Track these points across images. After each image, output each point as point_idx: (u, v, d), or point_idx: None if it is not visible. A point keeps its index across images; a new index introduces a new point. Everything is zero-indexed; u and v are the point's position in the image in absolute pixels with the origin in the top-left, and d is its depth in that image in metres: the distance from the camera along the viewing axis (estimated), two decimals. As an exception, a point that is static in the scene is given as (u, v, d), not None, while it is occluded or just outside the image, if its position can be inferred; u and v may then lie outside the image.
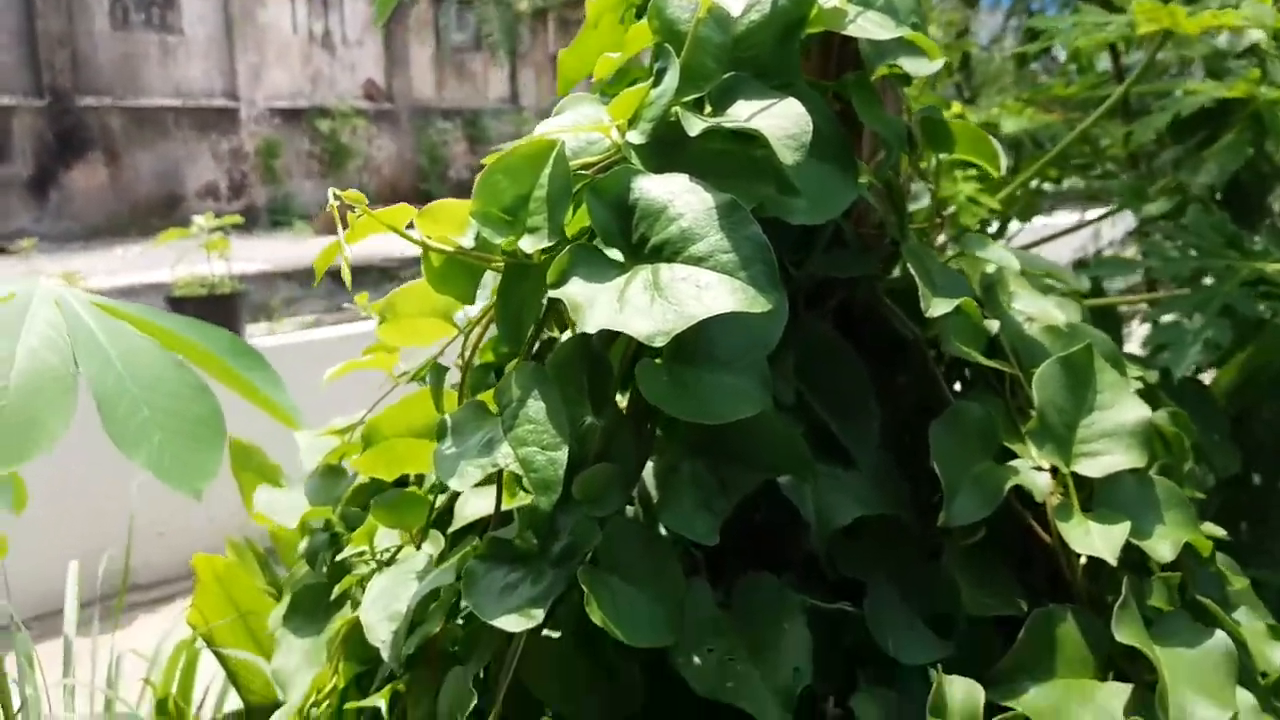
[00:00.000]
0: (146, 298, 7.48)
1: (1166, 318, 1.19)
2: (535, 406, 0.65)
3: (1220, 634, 0.73)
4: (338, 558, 0.88)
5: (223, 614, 1.75)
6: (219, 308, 4.96)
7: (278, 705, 1.68)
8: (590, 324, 0.59)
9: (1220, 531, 0.91)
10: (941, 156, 0.83)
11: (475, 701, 0.67)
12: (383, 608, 0.72)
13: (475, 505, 0.82)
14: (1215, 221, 1.27)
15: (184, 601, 2.15)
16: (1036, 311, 0.82)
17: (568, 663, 0.70)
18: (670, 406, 0.63)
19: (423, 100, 13.15)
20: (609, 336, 0.69)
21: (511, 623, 0.64)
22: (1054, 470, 0.74)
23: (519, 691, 0.70)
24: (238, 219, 5.15)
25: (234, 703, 1.87)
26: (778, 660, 0.67)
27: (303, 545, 1.01)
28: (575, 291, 0.61)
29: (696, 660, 0.67)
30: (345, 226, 0.70)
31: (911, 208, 0.91)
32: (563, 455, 0.63)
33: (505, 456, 0.64)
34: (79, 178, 10.85)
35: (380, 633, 0.71)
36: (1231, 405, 1.44)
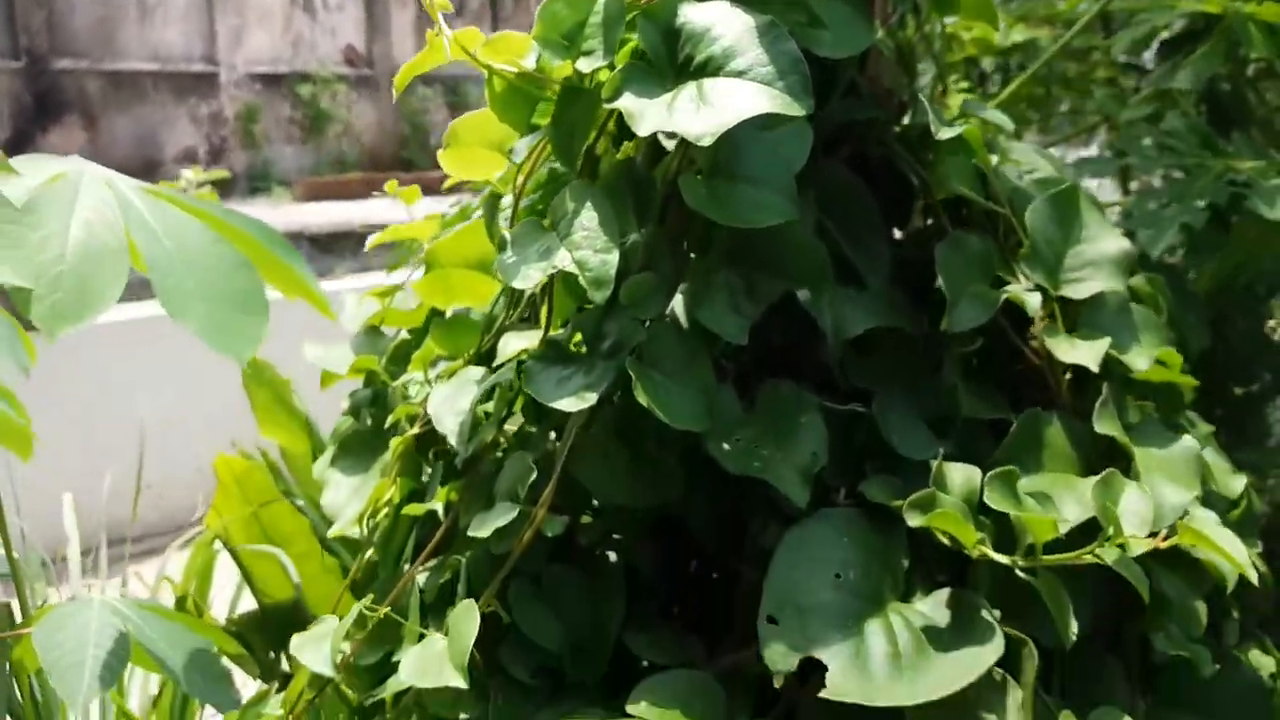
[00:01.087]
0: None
1: (1144, 206, 1.28)
2: (588, 216, 0.73)
3: (1188, 438, 0.83)
4: (396, 382, 0.96)
5: (241, 516, 1.82)
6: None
7: (293, 606, 1.76)
8: (644, 128, 0.67)
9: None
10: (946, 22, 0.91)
11: (534, 477, 0.75)
12: (448, 404, 0.80)
13: (516, 344, 0.90)
14: (1192, 124, 1.36)
15: (174, 554, 2.21)
16: (1028, 165, 0.90)
17: (612, 454, 0.79)
18: (709, 211, 0.71)
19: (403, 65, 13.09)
20: (652, 161, 0.77)
21: (569, 404, 0.73)
22: (1043, 294, 0.83)
23: (568, 482, 0.79)
24: (224, 173, 5.16)
25: (249, 604, 1.94)
26: (797, 446, 0.76)
27: (347, 403, 1.09)
28: (629, 103, 0.69)
29: (726, 446, 0.76)
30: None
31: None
32: (614, 257, 0.72)
33: (563, 259, 0.72)
34: (56, 141, 10.73)
35: (448, 424, 0.79)
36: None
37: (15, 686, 1.79)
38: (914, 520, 0.71)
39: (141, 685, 2.14)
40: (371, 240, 1.10)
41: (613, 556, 0.85)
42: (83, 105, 10.88)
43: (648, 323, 0.75)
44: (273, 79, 11.90)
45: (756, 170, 0.73)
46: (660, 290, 0.76)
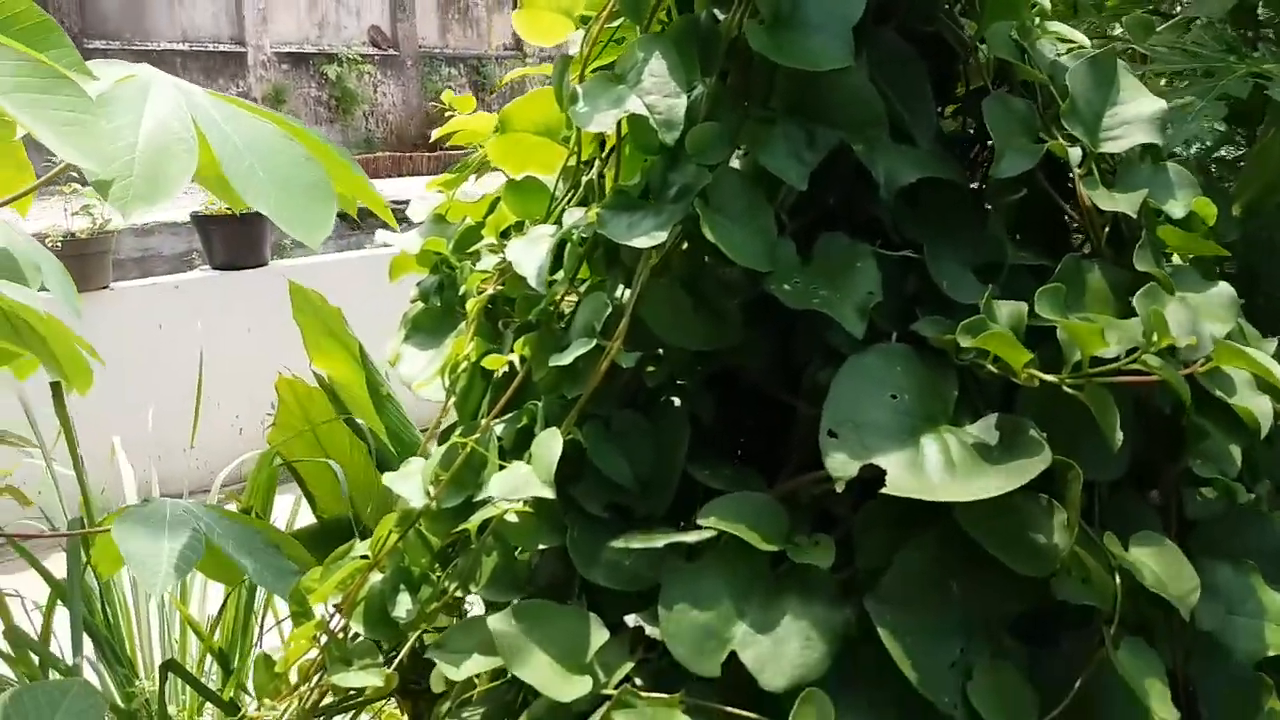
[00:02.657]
0: (161, 237, 7.56)
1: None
2: (657, 64, 0.78)
3: (1224, 284, 0.87)
4: (470, 248, 1.02)
5: (303, 435, 1.89)
6: (247, 225, 5.08)
7: (349, 521, 1.82)
8: (713, -27, 0.73)
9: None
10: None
11: (609, 311, 0.81)
12: (525, 251, 0.86)
13: (576, 214, 0.96)
14: (1217, 33, 1.40)
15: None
16: (1066, 34, 0.95)
17: (678, 300, 0.85)
18: (772, 53, 0.77)
19: (427, 46, 13.15)
20: (716, 18, 0.83)
21: (641, 241, 0.78)
22: (1082, 150, 0.88)
23: (636, 326, 0.85)
24: (260, 142, 5.25)
25: (306, 519, 2.02)
26: (853, 285, 0.82)
27: (415, 290, 1.15)
28: (699, -47, 0.74)
29: (786, 287, 0.82)
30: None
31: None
32: (682, 102, 0.77)
33: (633, 104, 0.78)
34: (88, 122, 10.86)
35: (527, 266, 0.84)
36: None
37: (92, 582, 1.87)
38: (965, 341, 0.77)
39: (199, 604, 2.23)
40: (436, 133, 1.16)
41: (677, 403, 0.90)
42: (114, 87, 11.01)
43: (712, 170, 0.81)
44: (299, 59, 11.99)
45: (816, 19, 0.78)
46: (724, 139, 0.81)
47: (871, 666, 0.76)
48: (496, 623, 0.79)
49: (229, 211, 5.21)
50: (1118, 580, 0.78)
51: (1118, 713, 0.78)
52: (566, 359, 0.82)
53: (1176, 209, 0.86)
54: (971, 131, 0.99)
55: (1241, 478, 1.02)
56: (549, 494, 0.79)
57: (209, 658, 2.04)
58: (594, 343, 0.81)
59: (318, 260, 5.51)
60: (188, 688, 2.00)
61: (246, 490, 1.90)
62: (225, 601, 1.97)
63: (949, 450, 0.75)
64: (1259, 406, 0.89)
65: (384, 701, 1.22)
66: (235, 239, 5.13)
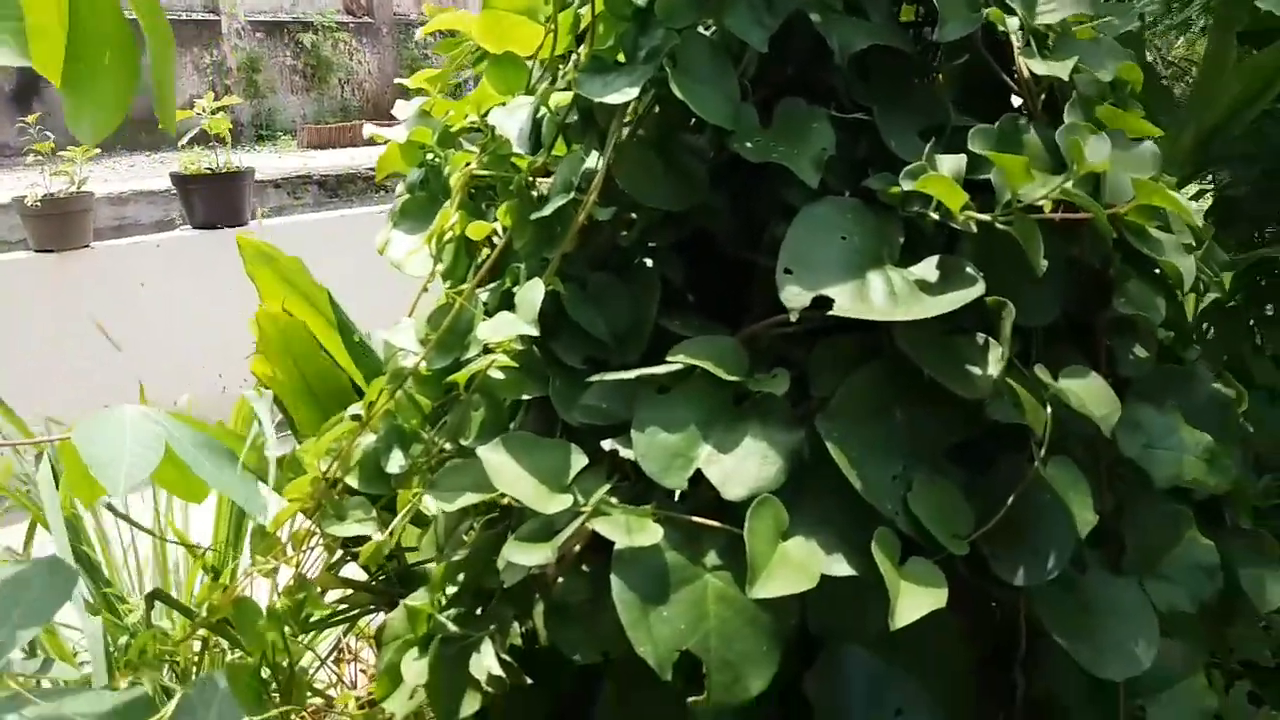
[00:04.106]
0: (138, 205, 7.53)
1: None
2: (628, -65, 0.85)
3: (1150, 144, 0.95)
4: (451, 129, 1.08)
5: (283, 363, 1.94)
6: (226, 185, 5.09)
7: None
8: None
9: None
10: None
11: (584, 165, 0.88)
12: (507, 117, 0.92)
13: (559, 96, 1.02)
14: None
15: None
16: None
17: (649, 160, 0.92)
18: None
19: (401, 13, 13.08)
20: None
21: (615, 98, 0.85)
22: (1020, 23, 0.95)
23: (609, 185, 0.92)
24: (236, 99, 5.26)
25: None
26: (809, 143, 0.89)
27: (401, 185, 1.21)
28: None
29: (749, 144, 0.89)
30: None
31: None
32: (651, -32, 0.84)
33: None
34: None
35: (510, 128, 0.91)
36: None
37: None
38: (907, 185, 0.84)
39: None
40: (422, 30, 1.22)
41: (649, 264, 0.97)
42: (86, 56, 10.89)
43: (680, 34, 0.88)
44: (274, 27, 11.90)
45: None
46: (691, 4, 0.88)
47: (822, 482, 0.84)
48: (486, 451, 0.86)
49: (209, 171, 5.23)
50: (1049, 410, 0.86)
51: (1046, 522, 0.86)
52: (546, 211, 0.89)
53: (1105, 73, 0.93)
54: (921, 18, 1.06)
55: (1173, 345, 1.11)
56: (533, 331, 0.87)
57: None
58: (571, 195, 0.88)
59: (299, 220, 5.54)
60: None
61: (231, 421, 1.95)
62: (215, 521, 2.03)
63: (892, 284, 0.82)
64: (1184, 265, 0.97)
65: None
66: (216, 198, 5.14)
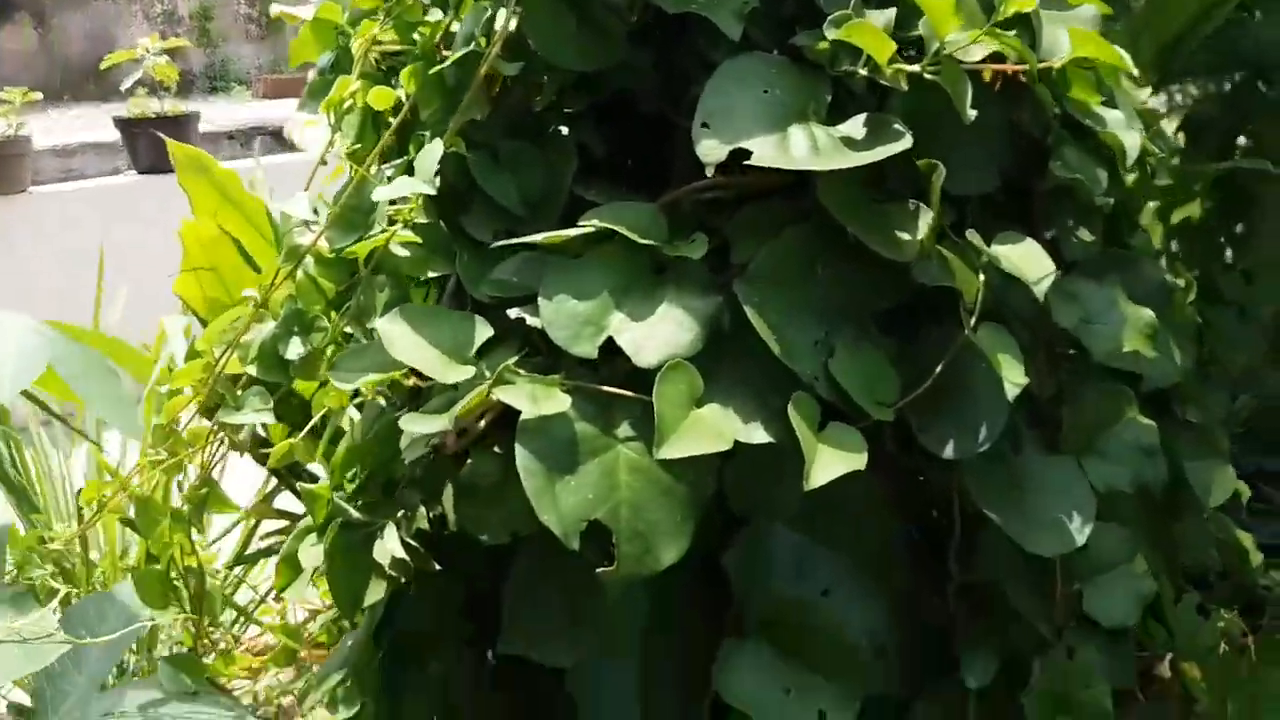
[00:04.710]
0: (84, 157, 7.32)
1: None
2: None
3: (1088, 5, 0.91)
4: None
5: (208, 281, 1.86)
6: (171, 129, 4.92)
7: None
8: None
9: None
10: None
11: (488, 14, 0.82)
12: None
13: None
14: None
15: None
16: None
17: (560, 13, 0.86)
18: None
19: (362, -38, 12.78)
20: None
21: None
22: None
23: (517, 38, 0.85)
24: (183, 41, 5.09)
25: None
26: (731, -8, 0.83)
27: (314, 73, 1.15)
28: None
29: (668, -6, 0.83)
30: None
31: None
32: None
33: None
34: (6, 40, 10.42)
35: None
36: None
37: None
38: (832, 34, 0.79)
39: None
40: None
41: (565, 131, 0.92)
42: (32, 3, 10.56)
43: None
44: (227, -26, 11.57)
45: None
46: None
47: (742, 350, 0.80)
48: (385, 322, 0.81)
49: (153, 114, 5.06)
50: (981, 278, 0.81)
51: (977, 393, 0.82)
52: (447, 64, 0.83)
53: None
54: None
55: (1119, 230, 1.07)
56: (430, 190, 0.81)
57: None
58: (472, 46, 0.82)
59: (244, 164, 5.39)
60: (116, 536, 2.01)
61: (154, 347, 1.88)
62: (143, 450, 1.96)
63: (815, 138, 0.77)
64: (1128, 138, 0.93)
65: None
66: (161, 143, 4.98)
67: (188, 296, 1.80)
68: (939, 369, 0.80)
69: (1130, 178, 1.08)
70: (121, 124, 5.01)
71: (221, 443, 1.10)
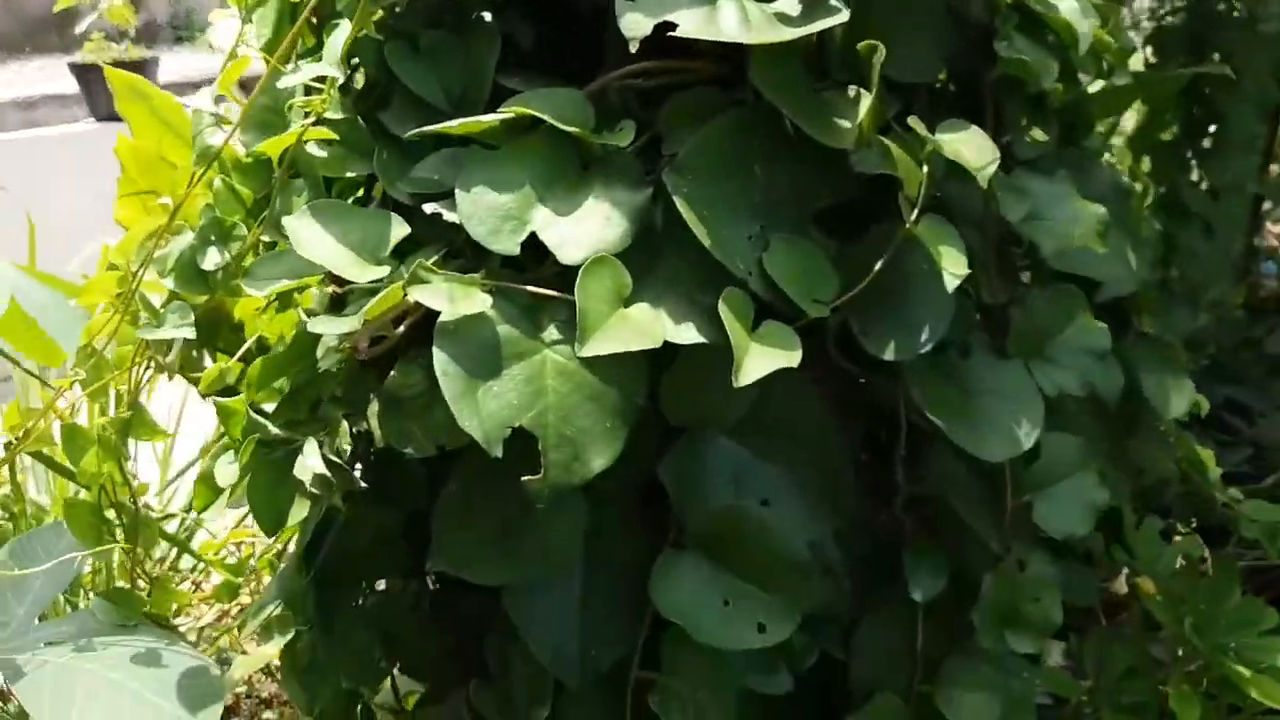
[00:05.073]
0: (48, 109, 7.15)
1: None
2: None
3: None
4: None
5: (148, 204, 1.78)
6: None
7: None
8: None
9: None
10: None
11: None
12: None
13: None
14: None
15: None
16: None
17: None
18: None
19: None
20: None
21: None
22: None
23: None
24: (136, -18, 4.94)
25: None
26: None
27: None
28: None
29: None
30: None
31: None
32: None
33: None
34: (-39, -9, 10.13)
35: None
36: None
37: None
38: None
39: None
40: None
41: (488, 19, 0.86)
42: (-13, -48, 10.22)
43: None
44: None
45: None
46: None
47: (674, 247, 0.76)
48: (294, 220, 0.76)
49: (110, 61, 4.92)
50: (925, 169, 0.77)
51: (919, 291, 0.79)
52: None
53: None
54: None
55: (1074, 133, 1.03)
56: (337, 74, 0.76)
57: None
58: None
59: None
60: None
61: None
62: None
63: (746, 11, 0.73)
64: (1081, 24, 0.89)
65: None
66: (118, 86, 4.86)
67: (127, 222, 1.74)
68: (879, 265, 0.76)
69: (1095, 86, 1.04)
70: (78, 70, 4.89)
71: (150, 366, 1.06)
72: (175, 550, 1.48)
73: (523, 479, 0.71)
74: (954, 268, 0.73)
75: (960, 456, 0.93)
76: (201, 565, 1.60)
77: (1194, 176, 1.56)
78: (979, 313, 0.94)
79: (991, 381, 0.86)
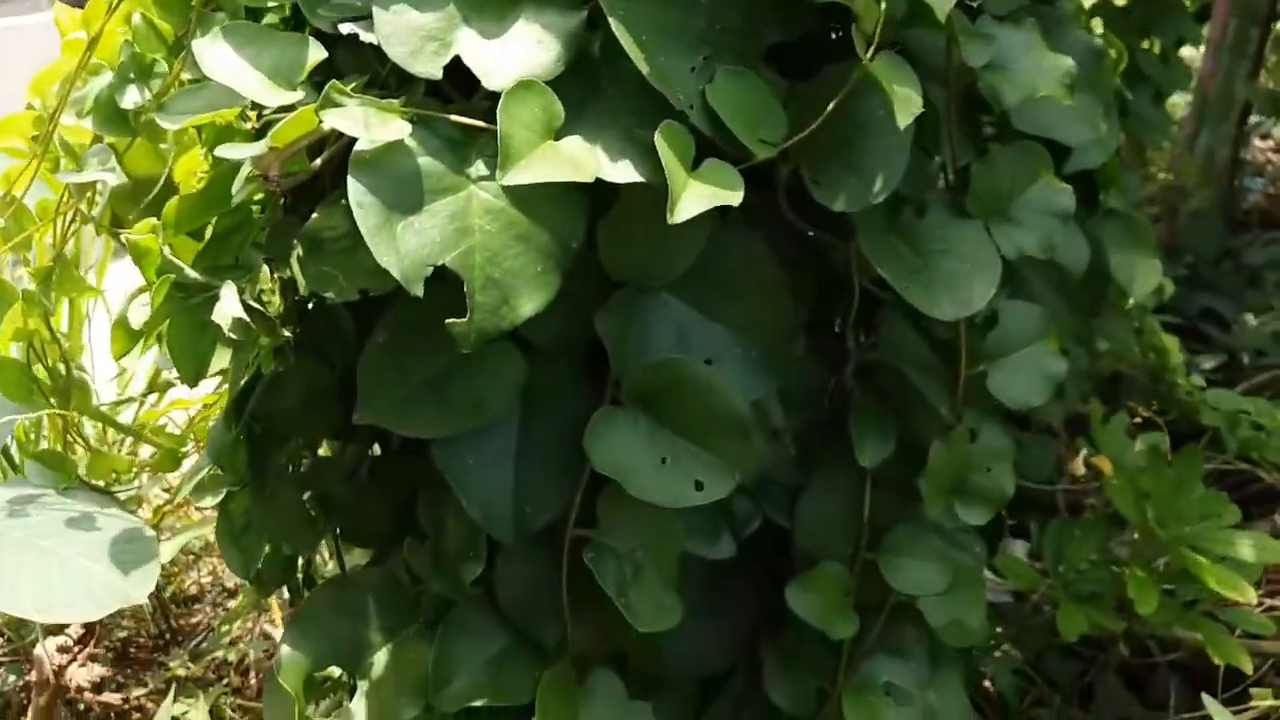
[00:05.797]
0: (13, 2, 6.89)
1: None
2: None
3: None
4: None
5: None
6: None
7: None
8: None
9: None
10: None
11: None
12: None
13: None
14: None
15: None
16: None
17: None
18: None
19: None
20: None
21: None
22: None
23: None
24: None
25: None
26: None
27: None
28: None
29: None
30: None
31: None
32: None
33: None
34: None
35: None
36: None
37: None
38: None
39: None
40: None
41: None
42: None
43: None
44: None
45: None
46: None
47: (612, 79, 0.71)
48: (203, 43, 0.71)
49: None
50: (884, 6, 0.72)
51: (873, 136, 0.75)
52: None
53: None
54: None
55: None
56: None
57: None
58: None
59: None
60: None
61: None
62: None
63: None
64: None
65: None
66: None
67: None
68: (833, 105, 0.72)
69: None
70: (38, -47, 4.68)
71: (75, 218, 1.01)
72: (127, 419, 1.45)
73: (447, 322, 0.68)
74: (907, 107, 0.69)
75: (914, 323, 0.90)
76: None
77: (1145, 45, 1.50)
78: (944, 176, 0.90)
79: (948, 241, 0.82)
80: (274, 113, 0.73)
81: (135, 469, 1.30)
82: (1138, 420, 1.45)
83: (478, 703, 0.84)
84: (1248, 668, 1.28)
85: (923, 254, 0.81)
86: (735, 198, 0.67)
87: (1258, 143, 3.43)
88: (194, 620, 1.95)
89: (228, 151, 0.67)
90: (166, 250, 0.75)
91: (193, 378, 0.81)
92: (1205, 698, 1.05)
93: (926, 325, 0.90)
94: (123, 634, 2.04)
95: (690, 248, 0.77)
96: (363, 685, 0.88)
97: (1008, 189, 0.85)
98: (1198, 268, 2.59)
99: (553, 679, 0.84)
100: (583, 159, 0.67)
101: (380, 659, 0.88)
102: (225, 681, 1.76)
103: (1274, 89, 2.38)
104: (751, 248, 0.82)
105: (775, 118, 0.72)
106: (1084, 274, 1.00)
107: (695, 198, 0.65)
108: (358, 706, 0.87)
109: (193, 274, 0.78)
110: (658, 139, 0.66)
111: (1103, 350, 1.24)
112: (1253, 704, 1.45)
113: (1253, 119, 2.75)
